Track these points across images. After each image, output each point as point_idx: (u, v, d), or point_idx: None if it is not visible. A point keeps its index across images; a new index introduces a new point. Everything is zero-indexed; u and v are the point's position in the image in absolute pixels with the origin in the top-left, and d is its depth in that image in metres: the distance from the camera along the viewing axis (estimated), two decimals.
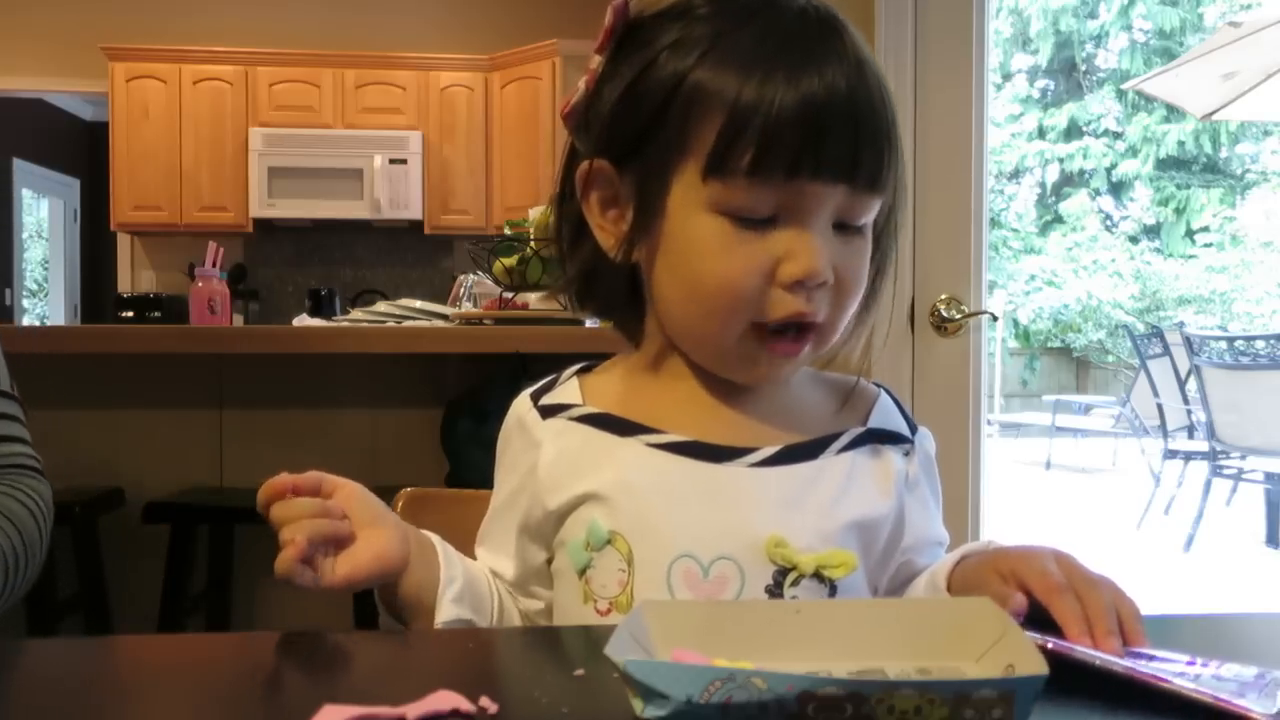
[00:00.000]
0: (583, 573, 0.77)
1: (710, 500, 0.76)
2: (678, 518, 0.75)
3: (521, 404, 0.85)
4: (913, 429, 0.85)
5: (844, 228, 0.74)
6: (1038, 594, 0.63)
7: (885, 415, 0.84)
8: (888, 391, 0.86)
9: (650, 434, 0.79)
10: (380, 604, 0.79)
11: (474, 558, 0.86)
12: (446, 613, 0.76)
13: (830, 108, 0.70)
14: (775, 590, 0.74)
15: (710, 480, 0.76)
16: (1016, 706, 0.46)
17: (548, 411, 0.83)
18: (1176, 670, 0.55)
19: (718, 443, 0.78)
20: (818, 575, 0.74)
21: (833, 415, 0.83)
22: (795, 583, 0.74)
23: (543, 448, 0.81)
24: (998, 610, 0.56)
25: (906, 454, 0.83)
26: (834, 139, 0.70)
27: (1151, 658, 0.57)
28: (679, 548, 0.75)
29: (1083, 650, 0.57)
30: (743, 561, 0.75)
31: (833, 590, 0.75)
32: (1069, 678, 0.54)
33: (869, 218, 0.75)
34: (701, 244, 0.73)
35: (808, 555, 0.74)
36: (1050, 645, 0.54)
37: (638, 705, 0.47)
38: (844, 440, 0.80)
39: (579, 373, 0.86)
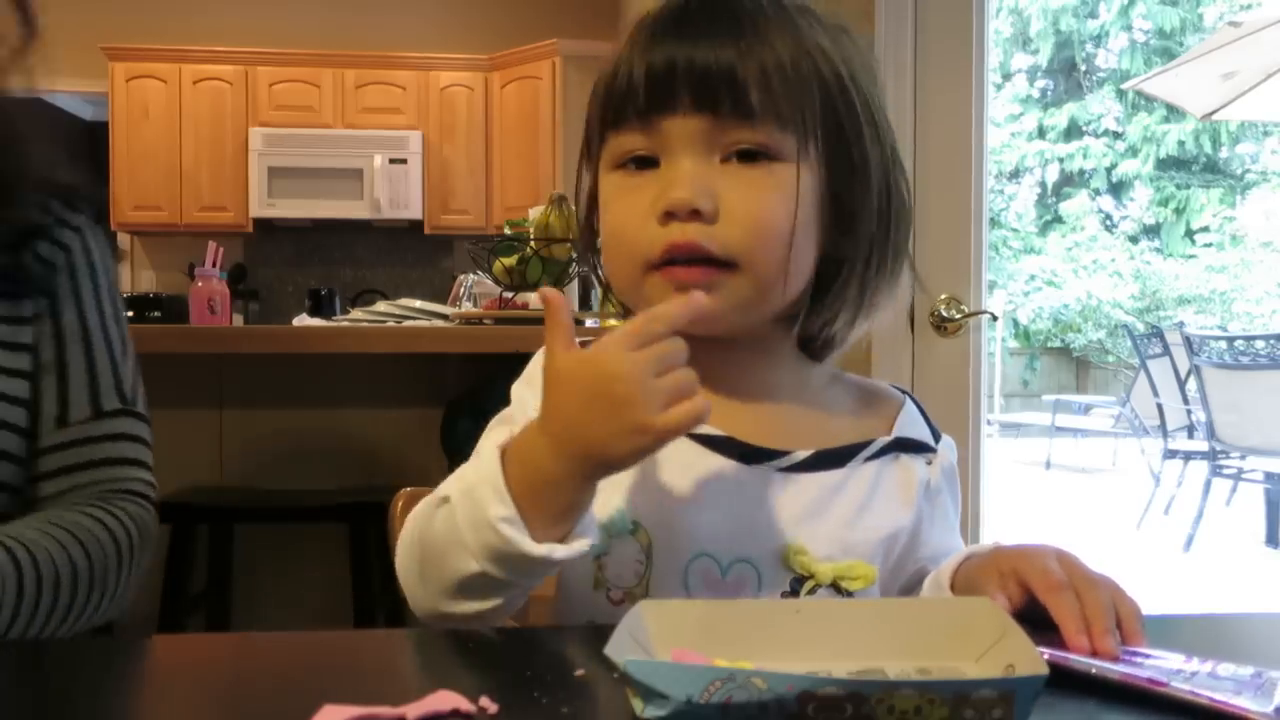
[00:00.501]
0: (597, 557, 0.76)
1: (735, 501, 0.76)
2: (701, 515, 0.75)
3: None
4: (936, 437, 0.84)
5: (750, 157, 0.73)
6: (1037, 592, 0.63)
7: (911, 423, 0.83)
8: (912, 398, 0.86)
9: None
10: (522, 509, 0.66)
11: None
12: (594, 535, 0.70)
13: (681, 50, 0.72)
14: (791, 597, 0.74)
15: (738, 480, 0.76)
16: (1016, 706, 0.46)
17: None
18: (1173, 669, 0.55)
19: (750, 442, 0.77)
20: (835, 585, 0.74)
21: (858, 420, 0.82)
22: (812, 591, 0.74)
23: None
24: (998, 610, 0.56)
25: (929, 463, 0.82)
26: (684, 74, 0.72)
27: (1148, 657, 0.57)
28: (699, 545, 0.75)
29: (1078, 659, 0.57)
30: (762, 566, 0.75)
31: None
32: (1068, 678, 0.55)
33: (762, 142, 0.73)
34: (606, 199, 0.78)
35: (827, 565, 0.74)
36: (1046, 655, 0.54)
37: (638, 705, 0.47)
38: (871, 449, 0.80)
39: None
